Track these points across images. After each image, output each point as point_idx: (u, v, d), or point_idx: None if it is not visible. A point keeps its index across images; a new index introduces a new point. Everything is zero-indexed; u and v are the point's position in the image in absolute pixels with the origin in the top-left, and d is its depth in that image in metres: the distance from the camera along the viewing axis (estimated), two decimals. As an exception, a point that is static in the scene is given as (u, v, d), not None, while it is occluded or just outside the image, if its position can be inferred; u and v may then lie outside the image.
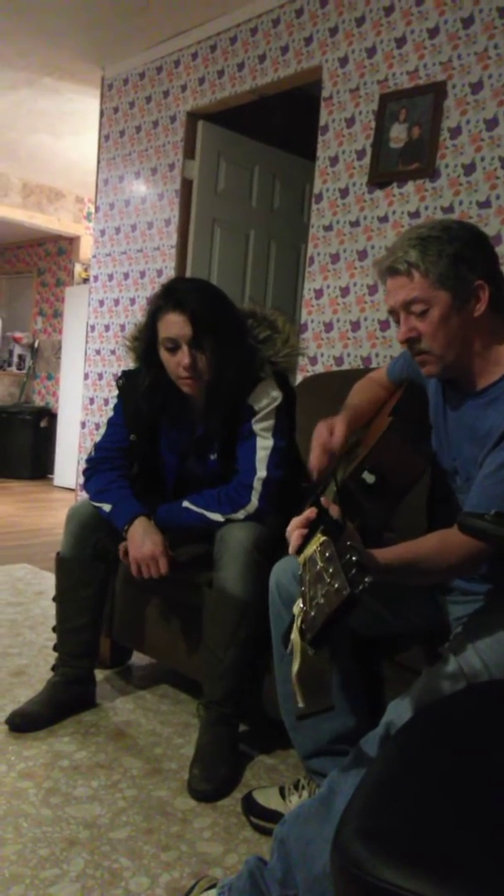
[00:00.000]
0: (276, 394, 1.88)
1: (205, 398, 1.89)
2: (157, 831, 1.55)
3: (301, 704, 1.02)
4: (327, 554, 0.94)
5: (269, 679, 1.73)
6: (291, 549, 1.13)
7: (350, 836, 0.77)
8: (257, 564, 1.76)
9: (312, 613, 0.89)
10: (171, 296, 1.82)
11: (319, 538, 1.02)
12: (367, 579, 0.84)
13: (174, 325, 1.79)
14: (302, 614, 0.93)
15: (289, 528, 1.18)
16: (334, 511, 1.14)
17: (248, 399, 1.87)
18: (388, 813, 0.82)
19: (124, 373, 2.03)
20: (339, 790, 1.15)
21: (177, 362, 1.82)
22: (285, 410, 1.91)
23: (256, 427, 1.87)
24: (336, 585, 0.86)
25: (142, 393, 1.93)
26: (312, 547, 1.03)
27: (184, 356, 1.80)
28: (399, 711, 1.22)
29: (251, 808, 1.60)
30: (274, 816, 1.54)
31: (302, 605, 0.93)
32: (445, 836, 0.77)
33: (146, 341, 1.88)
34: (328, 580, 0.89)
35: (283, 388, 1.91)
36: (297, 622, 0.95)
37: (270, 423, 1.88)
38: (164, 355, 1.85)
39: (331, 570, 0.90)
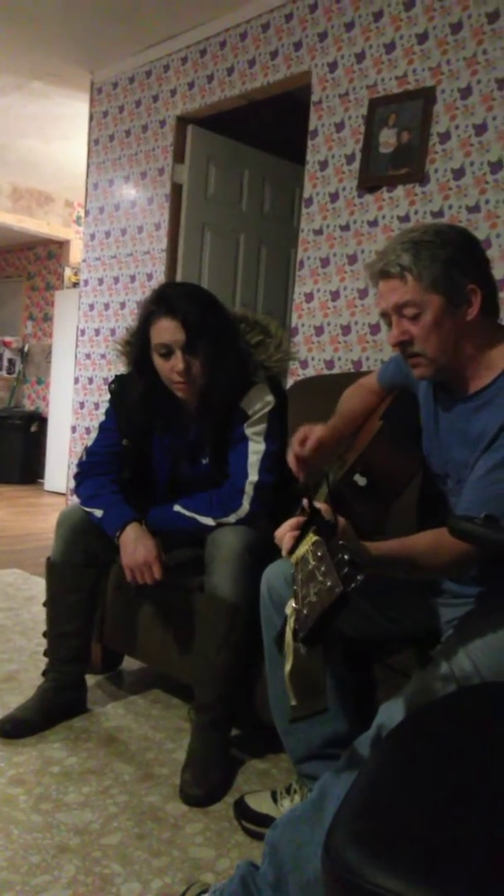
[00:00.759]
0: (269, 398, 1.88)
1: (198, 402, 1.89)
2: (148, 837, 1.54)
3: (293, 703, 1.02)
4: (319, 553, 0.95)
5: (261, 683, 1.73)
6: (284, 552, 1.13)
7: (341, 840, 0.77)
8: (248, 568, 1.76)
9: (305, 612, 0.89)
10: (162, 301, 1.81)
11: (311, 538, 1.02)
12: (359, 577, 0.84)
13: (167, 330, 1.79)
14: (294, 614, 0.93)
15: (278, 534, 1.18)
16: (326, 511, 1.14)
17: (241, 403, 1.87)
18: (380, 816, 0.82)
19: (117, 377, 2.03)
20: (330, 793, 1.15)
21: (170, 367, 1.81)
22: (278, 415, 1.91)
23: (248, 431, 1.87)
24: (328, 584, 0.86)
25: (136, 399, 1.92)
26: (304, 547, 1.03)
27: (178, 362, 1.79)
28: (390, 714, 1.22)
29: (243, 812, 1.60)
30: (266, 821, 1.53)
31: (294, 605, 0.94)
32: (437, 839, 0.77)
33: (138, 347, 1.88)
34: (321, 579, 0.89)
35: (275, 392, 1.91)
36: (290, 622, 0.95)
37: (263, 427, 1.88)
38: (157, 361, 1.84)
39: (323, 569, 0.90)
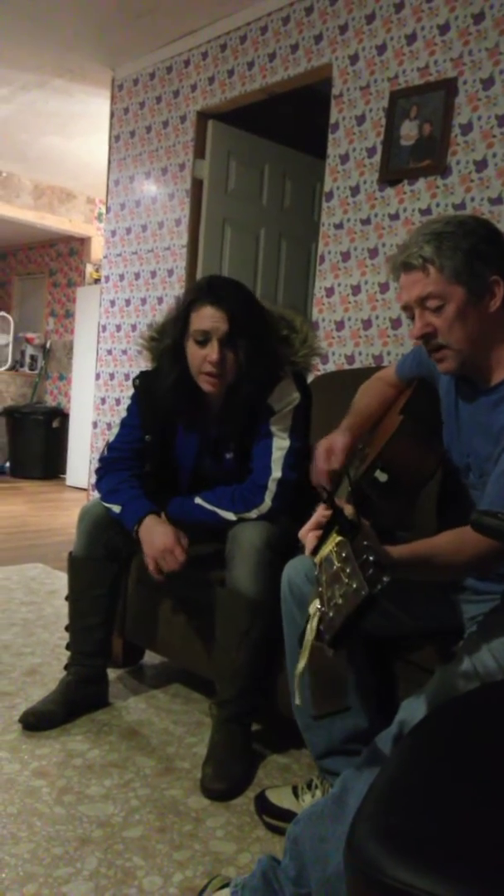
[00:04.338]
0: (296, 395, 1.88)
1: (224, 398, 1.88)
2: (170, 830, 1.55)
3: (298, 702, 1.01)
4: (344, 554, 0.94)
5: (282, 678, 1.73)
6: (308, 552, 1.13)
7: (364, 836, 0.77)
8: (269, 564, 1.76)
9: (331, 614, 0.88)
10: (209, 290, 1.81)
11: (335, 538, 1.01)
12: (384, 579, 0.83)
13: (210, 318, 1.78)
14: (319, 615, 0.92)
15: (302, 531, 1.18)
16: (349, 511, 1.13)
17: (267, 399, 1.86)
18: (403, 812, 0.81)
19: (141, 373, 2.03)
20: (352, 789, 1.15)
21: (203, 356, 1.80)
22: (303, 411, 1.90)
23: (274, 427, 1.86)
24: (354, 586, 0.85)
25: (166, 389, 1.90)
26: (328, 547, 1.02)
27: (213, 351, 1.78)
28: (412, 710, 1.21)
29: (264, 807, 1.60)
30: (287, 816, 1.53)
31: (319, 606, 0.93)
32: (460, 835, 0.76)
33: (174, 336, 1.86)
34: (346, 580, 0.88)
35: (301, 388, 1.90)
36: (314, 622, 0.95)
37: (288, 423, 1.87)
38: (191, 348, 1.83)
39: (348, 571, 0.89)
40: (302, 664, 0.98)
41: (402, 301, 1.39)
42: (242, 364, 1.80)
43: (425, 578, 1.36)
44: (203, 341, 1.79)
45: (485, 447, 1.38)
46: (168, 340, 1.89)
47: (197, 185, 3.79)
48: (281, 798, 1.60)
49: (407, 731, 1.16)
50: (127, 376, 4.22)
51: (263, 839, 1.55)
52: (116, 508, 1.93)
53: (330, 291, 3.09)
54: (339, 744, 1.47)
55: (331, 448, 1.58)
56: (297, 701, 1.01)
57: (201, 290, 1.82)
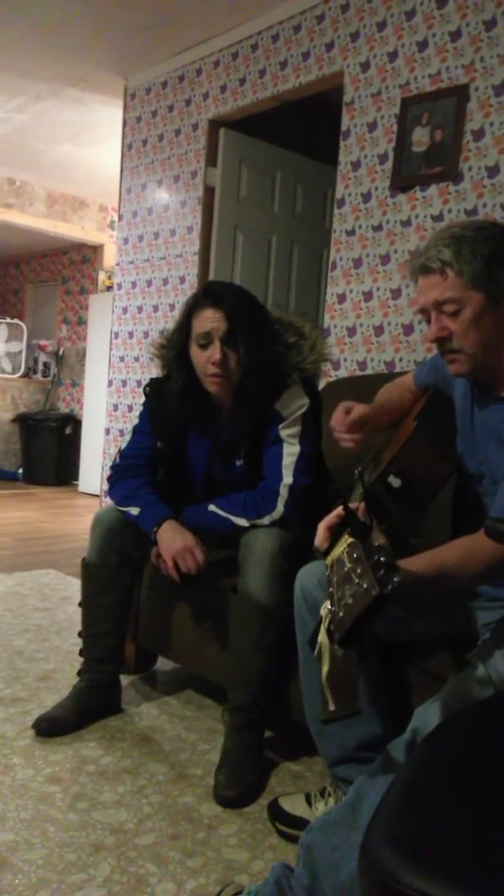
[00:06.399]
0: (304, 400, 1.88)
1: (232, 403, 1.89)
2: (182, 837, 1.54)
3: (332, 707, 1.01)
4: (355, 555, 0.94)
5: (295, 685, 1.73)
6: (318, 543, 1.13)
7: (378, 843, 0.76)
8: (282, 570, 1.76)
9: (341, 614, 0.89)
10: (208, 293, 1.85)
11: (347, 539, 1.02)
12: (395, 579, 0.84)
13: (209, 319, 1.81)
14: (330, 615, 0.93)
15: (319, 529, 1.18)
16: (361, 512, 1.13)
17: (275, 405, 1.87)
18: (417, 820, 0.81)
19: (151, 380, 2.04)
20: (365, 797, 1.15)
21: (207, 357, 1.82)
22: (312, 417, 1.90)
23: (283, 433, 1.87)
24: (365, 585, 0.86)
25: (174, 395, 1.92)
26: (340, 548, 1.03)
27: (215, 351, 1.81)
28: (426, 718, 1.21)
29: (277, 814, 1.60)
30: (300, 823, 1.53)
31: (330, 606, 0.93)
32: (475, 843, 0.76)
33: (179, 342, 1.90)
34: (356, 580, 0.89)
35: (310, 394, 1.91)
36: (325, 623, 0.95)
37: (297, 429, 1.87)
38: (195, 352, 1.86)
39: (359, 571, 0.90)
40: (326, 668, 0.97)
41: (418, 304, 1.39)
42: (245, 362, 1.82)
43: (437, 591, 1.35)
44: (205, 344, 1.82)
45: (498, 454, 1.38)
46: (176, 347, 1.92)
47: (209, 192, 3.81)
48: (294, 806, 1.60)
49: (420, 738, 1.16)
50: (139, 383, 4.23)
51: (276, 847, 1.54)
52: (134, 511, 1.93)
53: (342, 298, 3.09)
54: (353, 751, 1.47)
55: (351, 407, 1.60)
56: (332, 706, 1.00)
57: (199, 296, 1.87)
